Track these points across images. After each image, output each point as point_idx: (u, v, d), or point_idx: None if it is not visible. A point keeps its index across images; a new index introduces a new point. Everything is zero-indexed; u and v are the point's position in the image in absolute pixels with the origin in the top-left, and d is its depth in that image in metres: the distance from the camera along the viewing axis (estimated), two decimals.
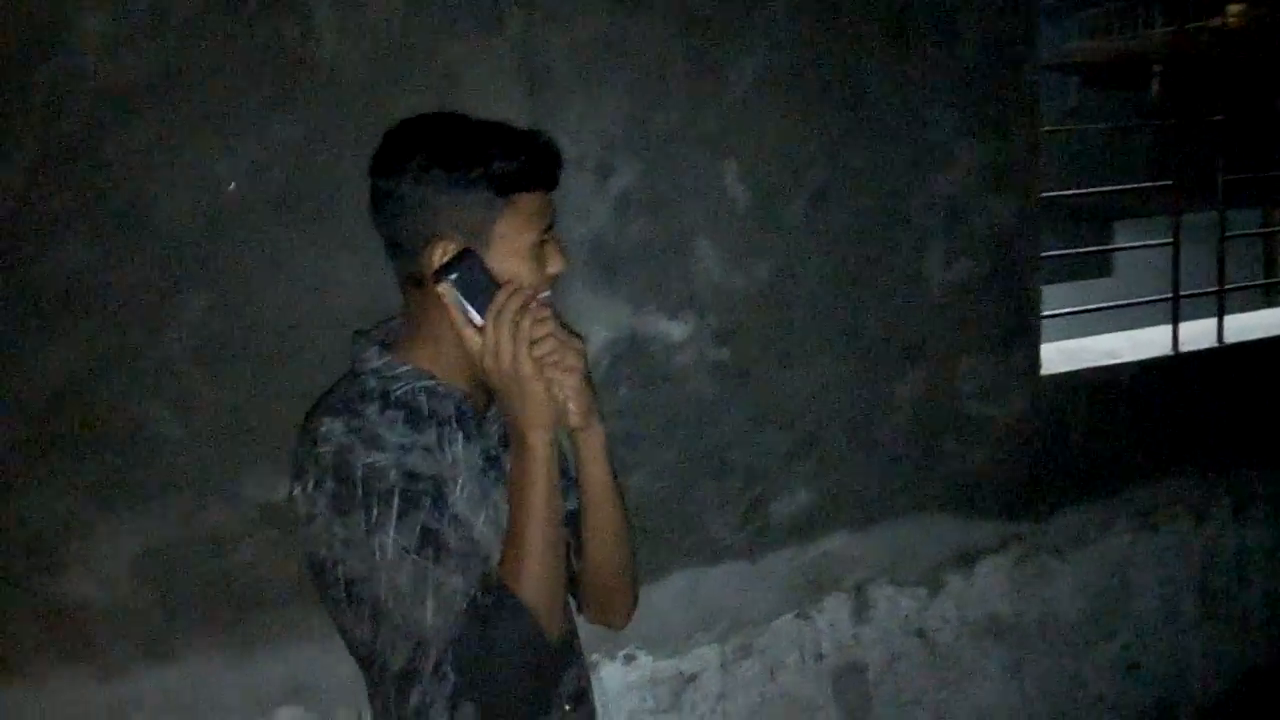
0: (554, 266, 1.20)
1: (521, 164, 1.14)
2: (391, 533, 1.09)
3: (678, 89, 1.79)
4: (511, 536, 1.14)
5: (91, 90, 1.47)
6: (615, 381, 1.84)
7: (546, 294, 1.20)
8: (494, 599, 1.11)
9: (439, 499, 1.14)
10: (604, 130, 1.76)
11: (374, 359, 1.20)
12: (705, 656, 2.01)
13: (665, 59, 1.78)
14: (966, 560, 2.21)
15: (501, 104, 1.64)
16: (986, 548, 2.23)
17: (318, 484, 1.11)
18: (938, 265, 2.07)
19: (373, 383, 1.18)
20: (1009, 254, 2.13)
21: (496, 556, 1.18)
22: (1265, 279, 5.11)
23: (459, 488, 1.18)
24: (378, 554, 1.09)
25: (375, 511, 1.09)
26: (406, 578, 1.09)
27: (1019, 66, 2.07)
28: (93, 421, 1.55)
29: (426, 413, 1.18)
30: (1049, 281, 2.21)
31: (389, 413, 1.15)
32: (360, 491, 1.10)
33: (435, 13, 1.61)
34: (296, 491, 1.13)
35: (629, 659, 1.95)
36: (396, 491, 1.10)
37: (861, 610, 2.14)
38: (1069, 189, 2.58)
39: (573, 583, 1.33)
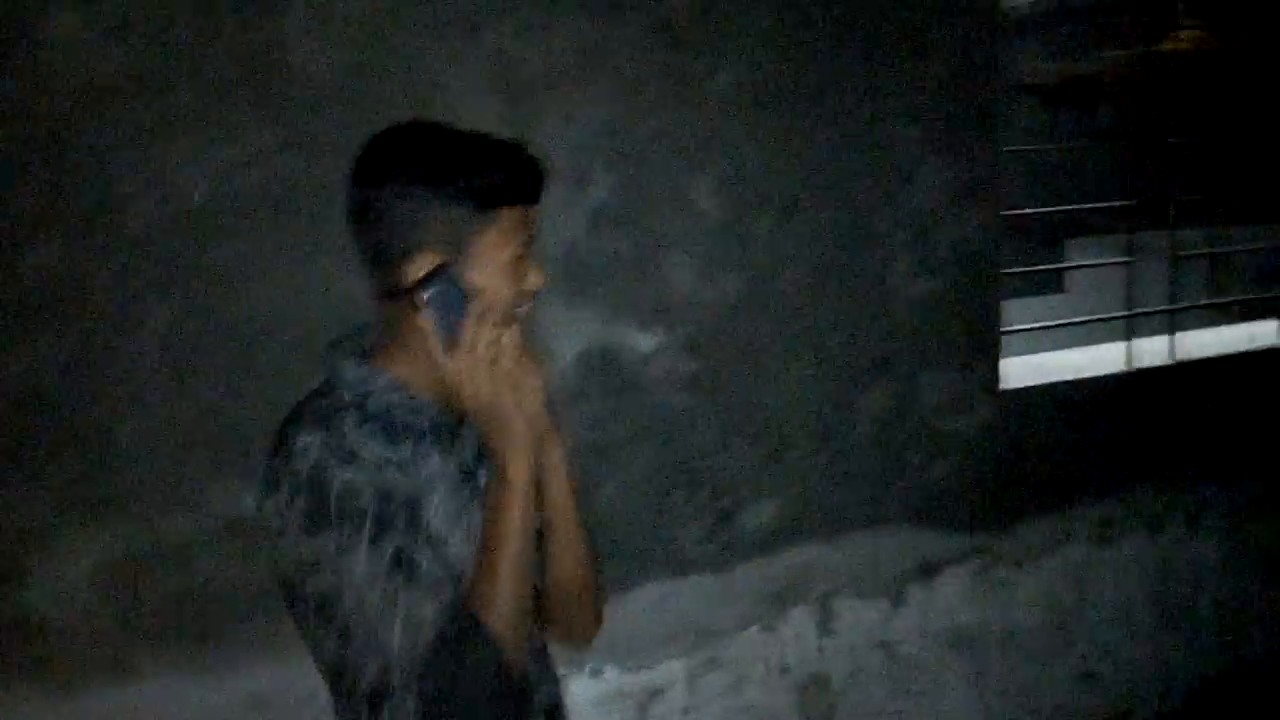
0: (533, 282, 1.19)
1: (505, 178, 1.13)
2: (363, 554, 1.08)
3: (653, 101, 1.81)
4: (483, 565, 1.13)
5: (60, 91, 1.45)
6: (586, 393, 1.84)
7: (525, 308, 1.20)
8: (461, 627, 1.10)
9: (413, 520, 1.12)
10: (579, 141, 1.77)
11: (350, 369, 1.18)
12: (672, 670, 2.01)
13: (641, 71, 1.79)
14: (929, 572, 2.24)
15: (478, 113, 1.63)
16: (948, 559, 2.26)
17: (290, 499, 1.08)
18: (903, 279, 2.10)
19: (348, 395, 1.16)
20: (972, 269, 2.17)
21: (449, 592, 1.16)
22: (1213, 298, 5.25)
23: (434, 504, 1.17)
24: (347, 575, 1.08)
25: (347, 531, 1.08)
26: (375, 600, 1.08)
27: (984, 86, 2.12)
28: (55, 428, 1.52)
29: (401, 426, 1.17)
30: (1004, 297, 2.26)
31: (366, 426, 1.14)
32: (334, 510, 1.08)
33: (412, 20, 1.61)
34: (268, 504, 1.11)
35: (596, 673, 1.95)
36: (370, 512, 1.09)
37: (826, 622, 2.15)
38: (1024, 206, 2.64)
39: (537, 600, 1.32)
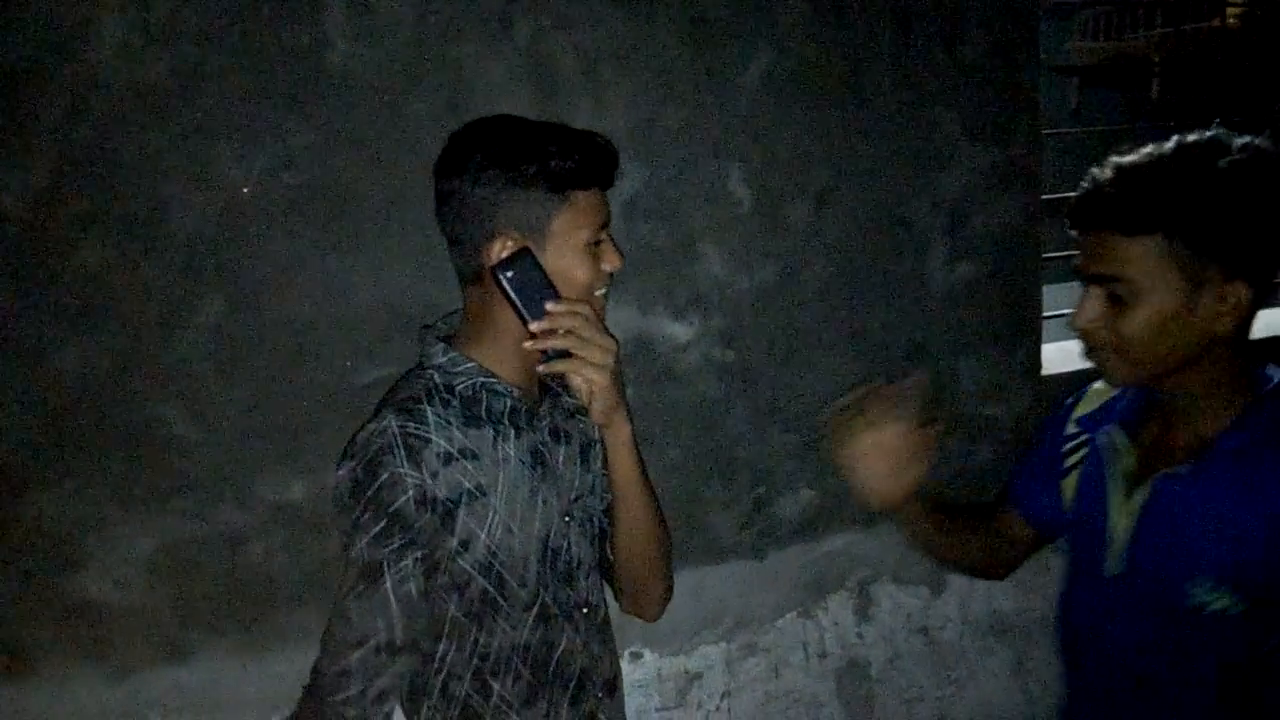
0: (610, 264, 1.24)
1: (577, 162, 1.18)
2: (364, 543, 1.15)
3: (684, 93, 1.81)
4: (623, 512, 1.29)
5: (110, 95, 1.50)
6: (622, 382, 1.85)
7: (603, 290, 1.24)
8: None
9: (441, 530, 1.17)
10: (612, 133, 1.76)
11: (439, 355, 1.24)
12: (710, 655, 2.03)
13: (672, 63, 1.80)
14: None
15: (511, 108, 1.65)
16: None
17: (353, 468, 1.16)
18: (941, 266, 2.09)
19: (437, 378, 1.22)
20: (1011, 255, 2.14)
21: (535, 567, 1.24)
22: None
23: (501, 490, 1.21)
24: (349, 552, 1.16)
25: (366, 515, 1.14)
26: (344, 587, 1.16)
27: (1021, 68, 2.09)
28: (109, 422, 1.57)
29: (484, 409, 1.22)
30: (1050, 282, 2.23)
31: (451, 408, 1.20)
32: (371, 491, 1.14)
33: (445, 19, 1.63)
34: (343, 467, 1.18)
35: (635, 657, 1.97)
36: (394, 511, 1.14)
37: (865, 609, 2.16)
38: (1070, 190, 2.60)
39: (609, 571, 1.38)
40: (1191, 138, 1.15)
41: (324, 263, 1.63)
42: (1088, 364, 2.38)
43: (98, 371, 1.56)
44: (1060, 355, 2.36)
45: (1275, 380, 1.18)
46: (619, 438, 1.27)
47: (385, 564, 1.14)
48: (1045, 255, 2.20)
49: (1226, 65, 2.75)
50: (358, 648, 1.14)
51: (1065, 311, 2.38)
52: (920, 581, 2.19)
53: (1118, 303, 1.13)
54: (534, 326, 1.16)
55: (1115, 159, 1.16)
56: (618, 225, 1.81)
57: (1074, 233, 1.19)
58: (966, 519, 1.50)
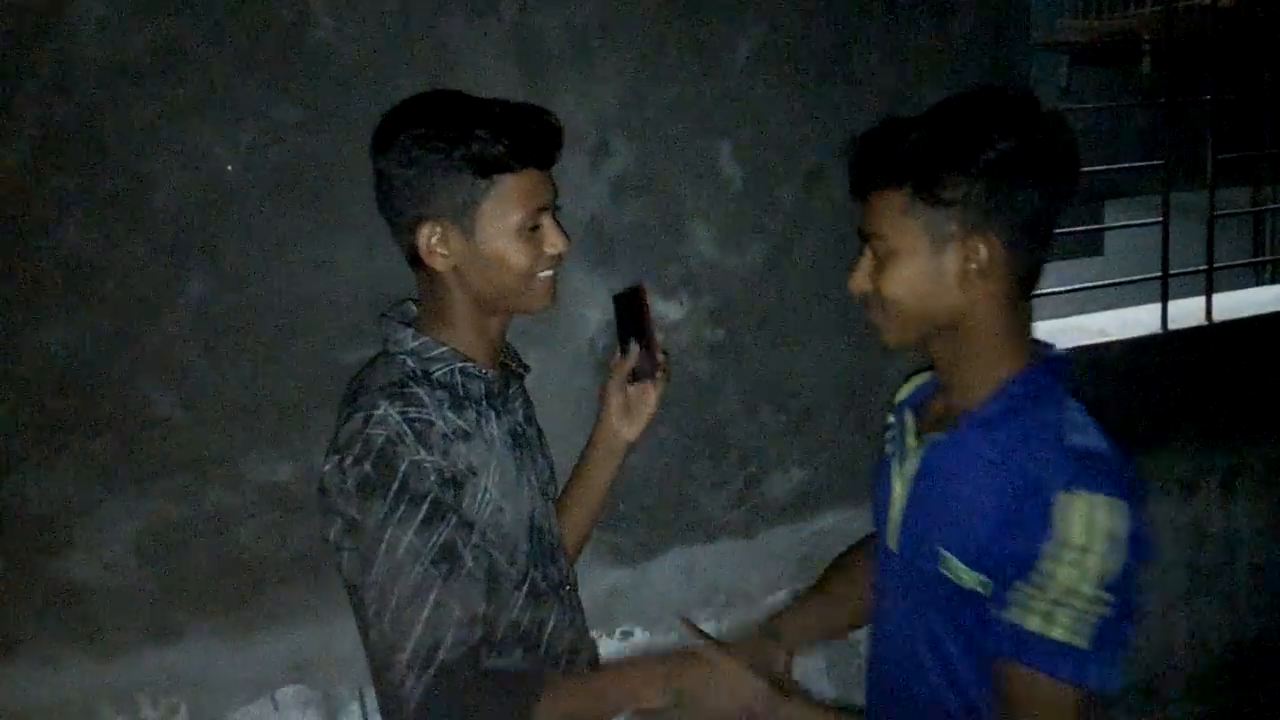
0: (552, 246, 1.20)
1: (505, 145, 1.14)
2: (410, 534, 1.09)
3: (673, 70, 1.80)
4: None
5: (90, 72, 1.48)
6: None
7: (548, 273, 1.22)
8: (482, 675, 1.12)
9: (469, 504, 1.16)
10: (600, 112, 1.77)
11: (409, 340, 1.21)
12: None
13: (660, 40, 1.78)
14: None
15: (498, 86, 1.64)
16: None
17: (356, 461, 1.11)
18: None
19: (411, 363, 1.20)
20: None
21: (524, 545, 1.23)
22: (1253, 257, 5.14)
23: (493, 470, 1.20)
24: (385, 548, 1.09)
25: (401, 509, 1.10)
26: (409, 583, 1.09)
27: (1010, 45, 2.08)
28: (95, 404, 1.56)
29: (464, 393, 1.21)
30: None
31: (436, 394, 1.17)
32: (396, 484, 1.10)
33: None
34: (330, 466, 1.14)
35: (626, 635, 1.98)
36: (430, 496, 1.11)
37: None
38: None
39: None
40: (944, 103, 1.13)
41: (310, 241, 1.61)
42: (1081, 342, 2.39)
43: (82, 352, 1.54)
44: (1050, 334, 2.37)
45: (1051, 350, 1.16)
46: (626, 451, 1.40)
47: (458, 543, 1.12)
48: None
49: (1218, 43, 2.74)
50: (461, 624, 1.11)
51: (1056, 290, 2.40)
52: None
53: (879, 263, 1.12)
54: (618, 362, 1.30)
55: (882, 124, 1.14)
56: (607, 204, 1.81)
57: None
58: (842, 573, 1.47)
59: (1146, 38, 6.55)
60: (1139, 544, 1.01)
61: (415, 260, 1.21)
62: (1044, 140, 1.07)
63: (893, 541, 1.22)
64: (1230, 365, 2.48)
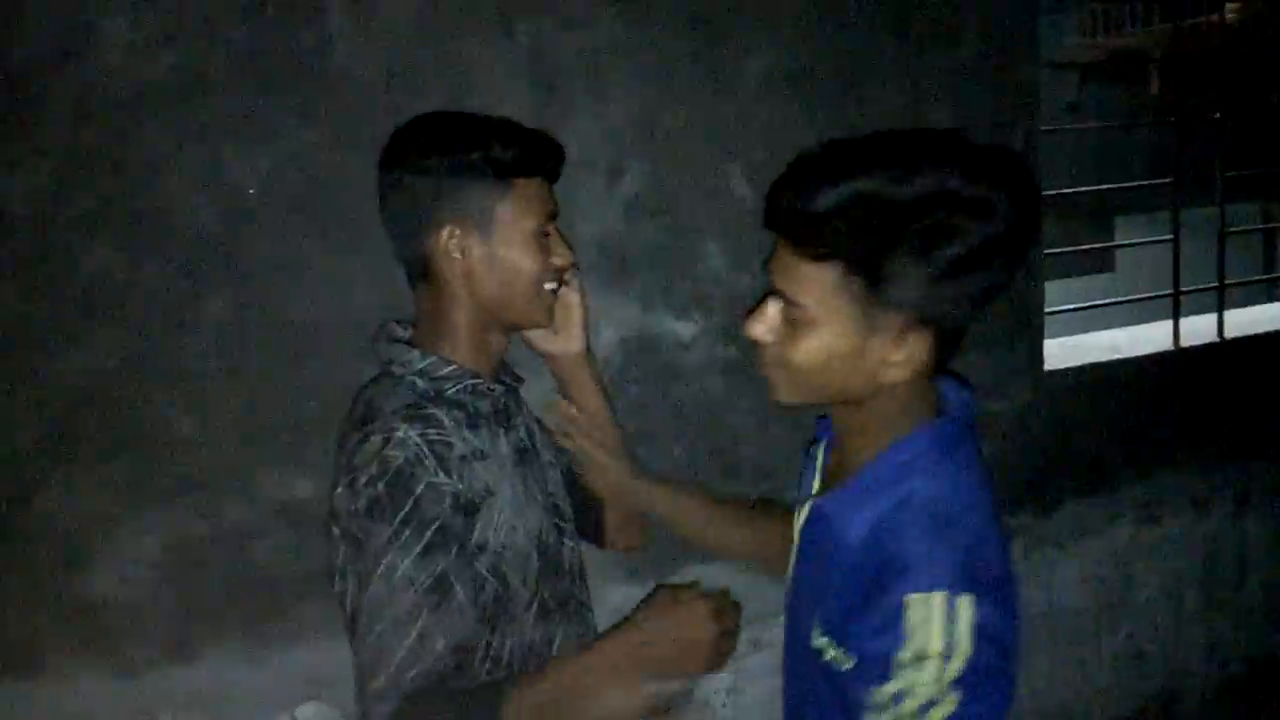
0: (560, 257, 1.23)
1: (520, 149, 1.17)
2: (409, 561, 1.08)
3: (685, 90, 1.82)
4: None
5: (115, 95, 1.50)
6: (625, 380, 1.86)
7: (552, 285, 1.23)
8: (460, 688, 1.09)
9: (476, 527, 1.14)
10: (613, 132, 1.79)
11: (418, 360, 1.20)
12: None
13: (673, 61, 1.80)
14: None
15: (513, 108, 1.65)
16: None
17: (370, 482, 1.09)
18: None
19: (422, 384, 1.19)
20: None
21: (535, 563, 1.22)
22: (1265, 274, 5.13)
23: (504, 489, 1.19)
24: (383, 571, 1.08)
25: (406, 534, 1.08)
26: (400, 607, 1.08)
27: (1019, 64, 2.10)
28: (115, 422, 1.58)
29: (473, 411, 1.20)
30: (1050, 278, 2.24)
31: (453, 414, 1.16)
32: (407, 508, 1.08)
33: (447, 19, 1.64)
34: (342, 488, 1.12)
35: None
36: (438, 523, 1.09)
37: None
38: (1069, 185, 2.61)
39: (591, 518, 1.44)
40: (891, 152, 0.98)
41: (328, 262, 1.63)
42: (1094, 358, 2.39)
43: (104, 371, 1.56)
44: (1062, 351, 2.38)
45: (951, 406, 1.09)
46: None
47: (451, 574, 1.10)
48: (1046, 251, 2.21)
49: (1227, 61, 2.75)
50: (439, 656, 1.08)
51: (1067, 308, 2.41)
52: None
53: (793, 324, 1.01)
54: None
55: (815, 162, 1.00)
56: (620, 223, 1.82)
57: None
58: (737, 509, 1.46)
59: (1154, 56, 6.57)
60: (991, 636, 0.94)
61: (422, 272, 1.21)
62: (1010, 227, 0.95)
63: (789, 589, 1.18)
64: (1242, 382, 2.48)
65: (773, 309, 1.04)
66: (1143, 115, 7.19)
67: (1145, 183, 2.69)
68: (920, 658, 0.93)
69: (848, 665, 1.00)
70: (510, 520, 1.19)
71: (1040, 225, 1.05)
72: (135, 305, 1.56)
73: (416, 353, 1.21)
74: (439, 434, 1.13)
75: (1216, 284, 2.55)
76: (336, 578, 1.14)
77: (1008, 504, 2.25)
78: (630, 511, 1.45)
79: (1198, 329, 2.51)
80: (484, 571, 1.16)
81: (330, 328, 1.65)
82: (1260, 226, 5.31)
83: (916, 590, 0.94)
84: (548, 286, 1.23)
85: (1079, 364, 2.32)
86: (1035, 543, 2.30)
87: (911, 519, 1.00)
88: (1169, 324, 2.47)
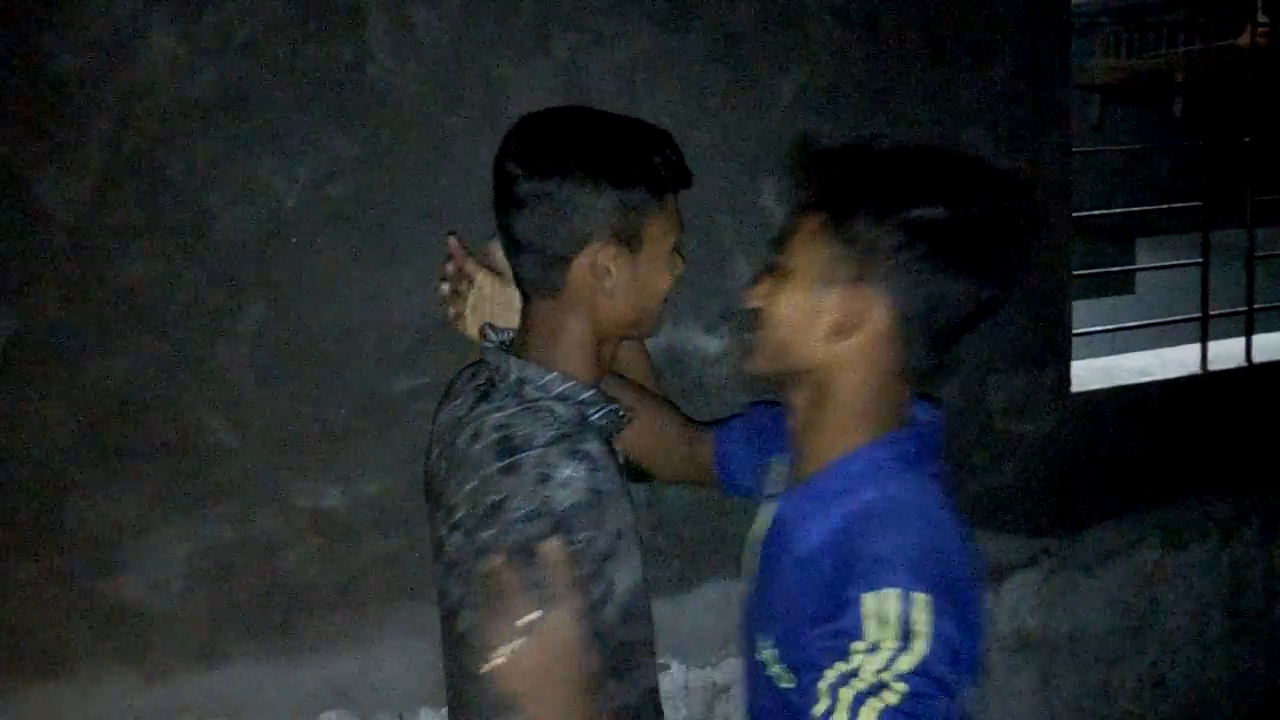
0: (679, 269, 1.16)
1: (673, 161, 1.10)
2: (569, 620, 0.98)
3: (717, 108, 1.83)
4: None
5: (157, 106, 1.53)
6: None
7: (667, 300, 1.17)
8: None
9: (612, 576, 1.05)
10: None
11: (557, 383, 1.09)
12: (736, 667, 2.02)
13: (705, 79, 1.81)
14: (996, 575, 2.22)
15: None
16: (1015, 563, 2.24)
17: (527, 519, 0.98)
18: None
19: (561, 409, 1.08)
20: (1040, 271, 2.15)
21: (650, 602, 1.14)
22: None
23: (630, 525, 1.09)
24: (546, 626, 0.97)
25: (554, 585, 0.97)
26: (575, 670, 0.99)
27: (1051, 85, 2.10)
28: (151, 429, 1.59)
29: (609, 438, 1.12)
30: (1079, 298, 2.23)
31: (602, 447, 1.07)
32: (568, 558, 0.98)
33: (485, 35, 1.66)
34: (491, 530, 1.00)
35: (663, 668, 1.98)
36: (598, 583, 1.01)
37: None
38: (1092, 206, 2.61)
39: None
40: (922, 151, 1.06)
41: (363, 273, 1.65)
42: (1121, 381, 2.38)
43: (141, 378, 1.58)
44: (1089, 372, 2.37)
45: (918, 418, 1.07)
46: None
47: (603, 632, 1.03)
48: (1074, 272, 2.21)
49: (1250, 83, 2.74)
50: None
51: (1095, 329, 2.40)
52: None
53: (776, 284, 1.05)
54: None
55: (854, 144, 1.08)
56: None
57: None
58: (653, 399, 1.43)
59: (1178, 77, 6.56)
60: (945, 641, 0.92)
61: (552, 288, 1.09)
62: (985, 235, 0.96)
63: (750, 591, 1.15)
64: (1270, 407, 2.46)
65: (766, 278, 1.07)
66: (1165, 137, 7.17)
67: (1175, 205, 2.68)
68: (874, 648, 0.91)
69: (788, 684, 1.00)
70: (637, 562, 1.10)
71: (1014, 271, 1.02)
72: (172, 313, 1.58)
73: (555, 375, 1.10)
74: (604, 478, 1.03)
75: (1245, 308, 2.54)
76: (464, 610, 1.03)
77: (1032, 526, 2.24)
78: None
79: (1225, 353, 2.50)
80: (608, 618, 1.05)
81: (364, 338, 1.66)
82: None
83: (872, 589, 0.92)
84: (666, 299, 1.16)
85: (1107, 386, 2.31)
86: (1059, 565, 2.28)
87: (871, 523, 0.99)
88: (1196, 348, 2.46)
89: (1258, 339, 2.54)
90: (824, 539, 1.00)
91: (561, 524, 0.98)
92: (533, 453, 1.02)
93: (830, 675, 0.91)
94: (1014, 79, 2.04)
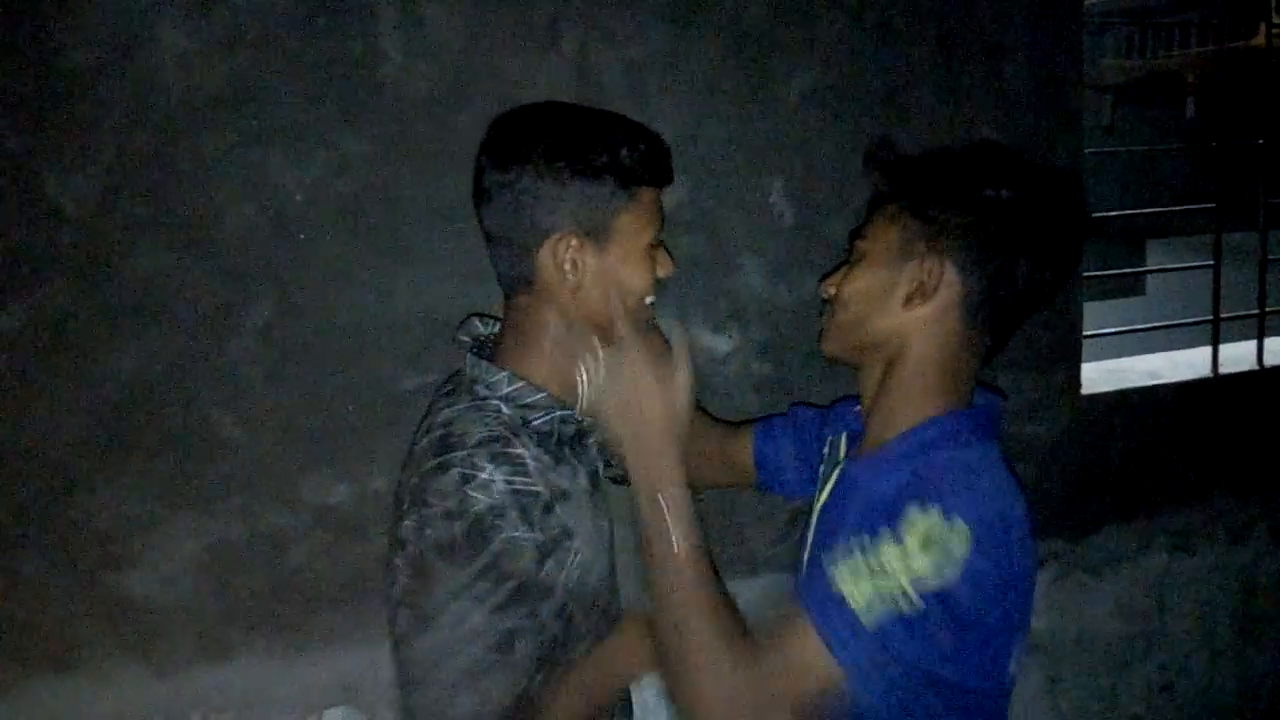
0: (664, 270, 1.15)
1: (644, 154, 1.09)
2: (482, 614, 1.01)
3: (727, 106, 1.83)
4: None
5: (168, 101, 1.53)
6: None
7: (651, 299, 1.15)
8: None
9: (549, 579, 1.06)
10: None
11: (504, 384, 1.11)
12: None
13: (715, 78, 1.81)
14: None
15: None
16: None
17: (447, 518, 1.01)
18: None
19: (507, 410, 1.09)
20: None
21: (602, 601, 1.15)
22: None
23: (582, 528, 1.11)
24: (450, 618, 1.01)
25: (481, 585, 1.01)
26: (464, 662, 1.02)
27: (1062, 86, 2.09)
28: (159, 424, 1.60)
29: (555, 441, 1.11)
30: (1090, 300, 2.22)
31: (537, 449, 1.08)
32: (484, 559, 1.01)
33: (495, 32, 1.65)
34: (411, 519, 1.04)
35: None
36: (515, 581, 1.02)
37: None
38: (1104, 208, 2.59)
39: None
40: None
41: (371, 270, 1.65)
42: (1132, 383, 2.36)
43: (149, 374, 1.58)
44: (1100, 374, 2.36)
45: (978, 403, 1.15)
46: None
47: (515, 632, 1.03)
48: (1085, 274, 2.19)
49: (1263, 84, 2.73)
50: (500, 714, 1.03)
51: (1106, 331, 2.39)
52: None
53: (851, 269, 1.17)
54: None
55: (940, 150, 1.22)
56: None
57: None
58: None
59: (1189, 78, 6.52)
60: (976, 581, 0.95)
61: (524, 282, 1.11)
62: (1043, 223, 1.09)
63: (806, 561, 1.21)
64: None
65: (843, 268, 1.18)
66: (1177, 138, 7.13)
67: (1186, 207, 2.67)
68: (905, 555, 0.95)
69: None
70: (587, 561, 1.11)
71: (1071, 263, 1.13)
72: (181, 308, 1.58)
73: (505, 375, 1.11)
74: (525, 482, 1.04)
75: (1256, 311, 2.52)
76: (394, 605, 1.07)
77: (1041, 528, 2.23)
78: None
79: (1237, 356, 2.49)
80: (548, 617, 1.08)
81: (372, 335, 1.66)
82: None
83: (920, 502, 0.98)
84: (648, 301, 1.14)
85: (1117, 388, 2.30)
86: (1068, 568, 2.28)
87: (940, 471, 1.04)
88: (1208, 350, 2.45)
89: (1269, 342, 2.53)
90: (894, 487, 1.04)
91: (476, 524, 1.00)
92: (460, 453, 1.04)
93: (856, 552, 0.98)
94: (1026, 79, 2.03)
